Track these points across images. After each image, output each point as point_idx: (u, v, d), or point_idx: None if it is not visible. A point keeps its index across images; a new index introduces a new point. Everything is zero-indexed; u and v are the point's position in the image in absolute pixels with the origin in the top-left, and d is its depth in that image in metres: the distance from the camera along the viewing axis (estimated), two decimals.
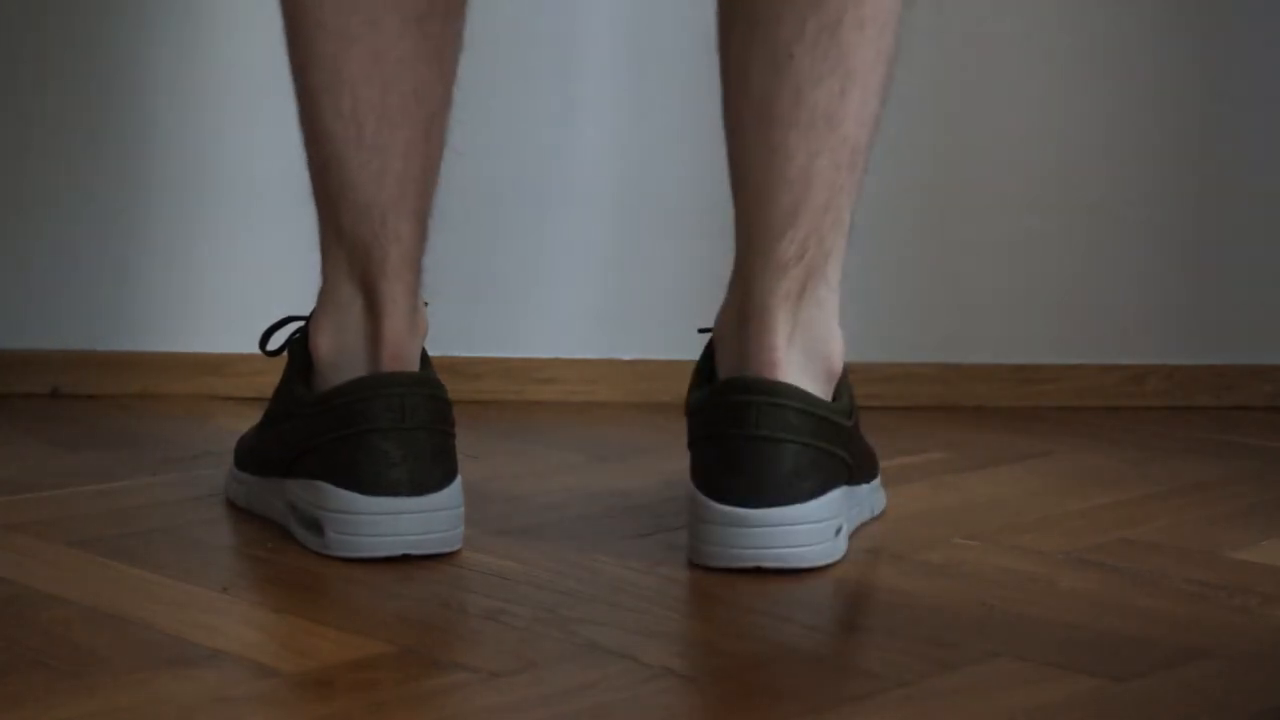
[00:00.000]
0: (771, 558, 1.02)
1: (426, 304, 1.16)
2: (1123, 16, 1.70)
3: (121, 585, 1.00)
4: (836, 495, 1.05)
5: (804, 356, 1.07)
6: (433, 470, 1.05)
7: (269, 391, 1.17)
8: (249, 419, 1.53)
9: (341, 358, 1.10)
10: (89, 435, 1.47)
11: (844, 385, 1.10)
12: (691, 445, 1.06)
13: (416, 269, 1.10)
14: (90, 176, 1.66)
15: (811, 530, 1.03)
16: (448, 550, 1.05)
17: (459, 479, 1.07)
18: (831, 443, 1.05)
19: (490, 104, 1.66)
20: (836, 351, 1.09)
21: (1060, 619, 0.97)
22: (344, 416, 1.06)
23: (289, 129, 1.66)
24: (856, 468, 1.10)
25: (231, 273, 1.66)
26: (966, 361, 1.69)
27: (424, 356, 1.13)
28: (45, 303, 1.66)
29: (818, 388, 1.07)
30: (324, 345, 1.11)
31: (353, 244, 1.09)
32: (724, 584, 1.03)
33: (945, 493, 1.29)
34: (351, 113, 1.07)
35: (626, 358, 1.66)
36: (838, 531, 1.05)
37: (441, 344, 1.25)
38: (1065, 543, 1.13)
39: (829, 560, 1.04)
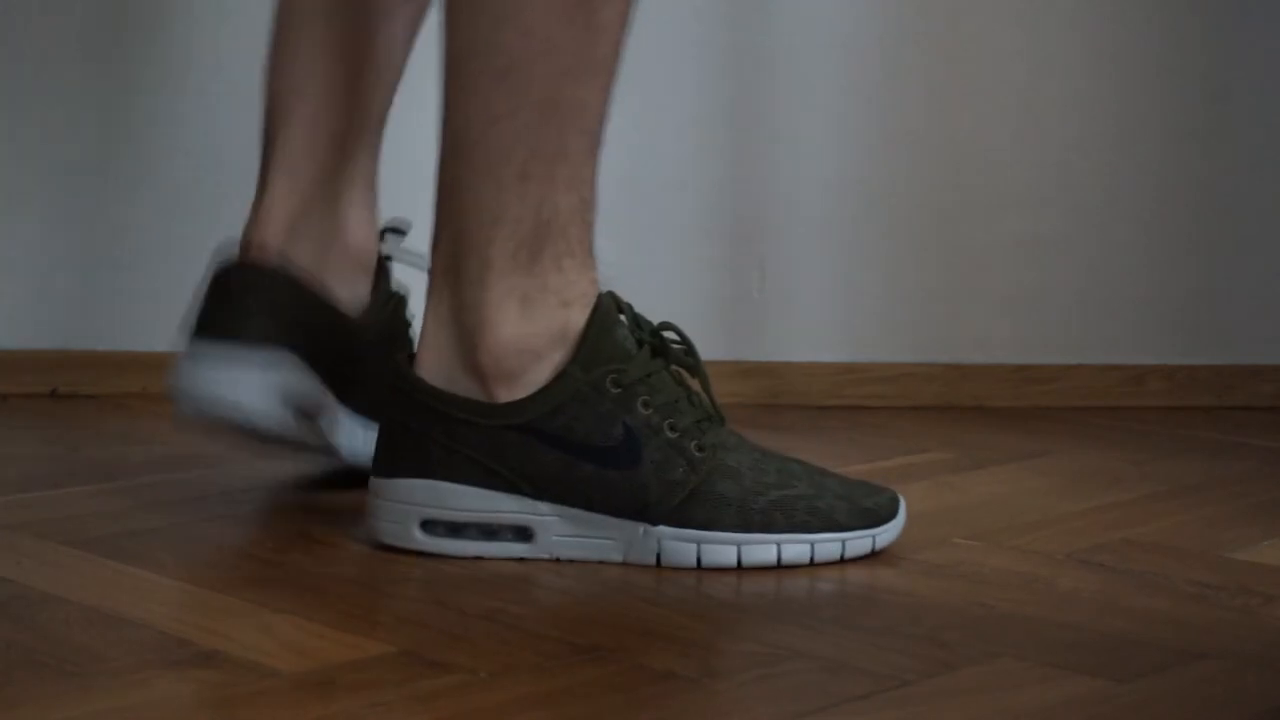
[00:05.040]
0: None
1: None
2: (1124, 17, 1.70)
3: (121, 585, 1.00)
4: None
5: None
6: (244, 323, 1.14)
7: None
8: None
9: None
10: (89, 435, 1.47)
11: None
12: None
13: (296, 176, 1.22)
14: (90, 177, 1.66)
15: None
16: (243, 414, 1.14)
17: (286, 352, 1.15)
18: None
19: None
20: None
21: (1060, 619, 0.97)
22: None
23: None
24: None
25: None
26: (966, 361, 1.69)
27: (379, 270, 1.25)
28: (45, 303, 1.66)
29: None
30: None
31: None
32: (724, 584, 1.03)
33: (945, 493, 1.29)
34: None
35: None
36: None
37: None
38: (1065, 543, 1.13)
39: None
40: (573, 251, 1.06)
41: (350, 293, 1.23)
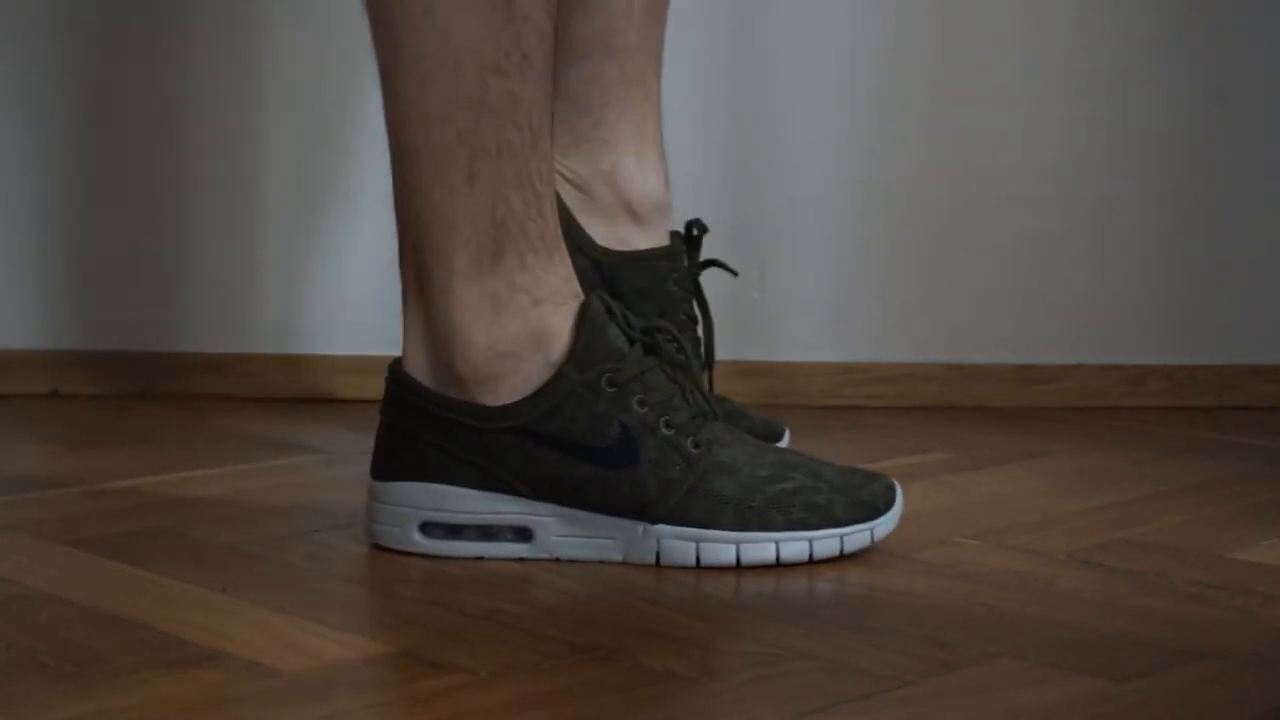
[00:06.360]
0: None
1: None
2: (1128, 17, 1.70)
3: (121, 585, 1.00)
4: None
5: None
6: None
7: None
8: (249, 419, 1.54)
9: None
10: (89, 435, 1.47)
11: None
12: None
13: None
14: (89, 178, 1.66)
15: None
16: None
17: None
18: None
19: None
20: None
21: (1060, 619, 0.97)
22: None
23: (285, 130, 1.67)
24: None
25: (232, 273, 1.66)
26: (966, 361, 1.69)
27: None
28: (45, 303, 1.66)
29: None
30: None
31: None
32: (724, 584, 1.03)
33: (945, 493, 1.29)
34: None
35: None
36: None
37: None
38: (1065, 543, 1.13)
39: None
40: (535, 248, 1.05)
41: (610, 232, 1.30)
